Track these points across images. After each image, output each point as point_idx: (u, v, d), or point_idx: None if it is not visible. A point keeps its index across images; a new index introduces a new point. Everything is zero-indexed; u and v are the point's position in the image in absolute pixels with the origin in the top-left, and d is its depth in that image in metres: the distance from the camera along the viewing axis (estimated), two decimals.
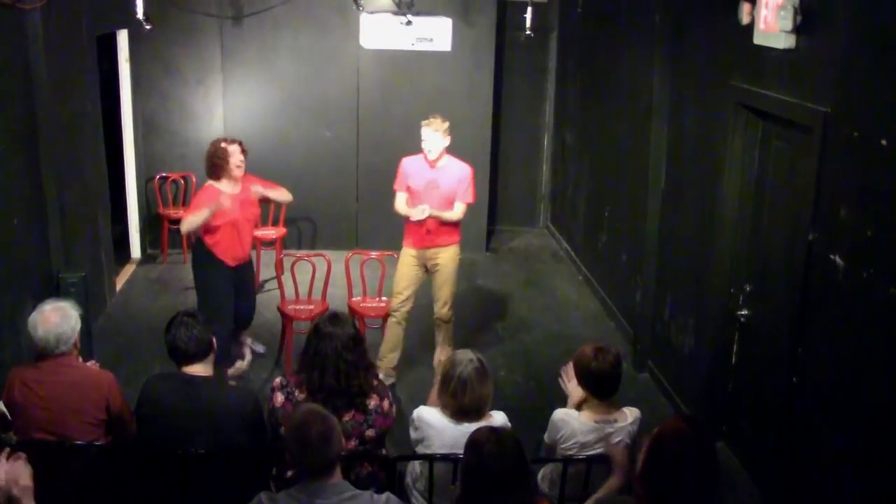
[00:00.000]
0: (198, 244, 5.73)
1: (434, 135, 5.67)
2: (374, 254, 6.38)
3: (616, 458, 3.46)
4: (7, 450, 2.99)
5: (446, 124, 5.70)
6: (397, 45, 8.16)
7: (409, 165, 5.87)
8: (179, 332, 3.64)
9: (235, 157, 5.62)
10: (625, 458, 3.43)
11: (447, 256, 5.85)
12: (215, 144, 5.70)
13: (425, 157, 5.74)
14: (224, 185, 5.65)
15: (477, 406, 3.63)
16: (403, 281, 5.88)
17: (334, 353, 3.56)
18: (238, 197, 5.66)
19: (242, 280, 5.88)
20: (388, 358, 5.95)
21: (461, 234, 5.98)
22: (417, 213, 5.59)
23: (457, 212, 5.77)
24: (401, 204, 5.83)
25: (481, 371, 3.64)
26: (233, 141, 5.71)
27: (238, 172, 5.65)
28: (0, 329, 4.95)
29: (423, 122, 5.73)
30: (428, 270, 5.94)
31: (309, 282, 6.22)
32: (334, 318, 3.72)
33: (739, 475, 4.96)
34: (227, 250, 5.65)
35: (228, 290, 5.73)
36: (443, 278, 5.89)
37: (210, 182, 5.68)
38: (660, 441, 2.81)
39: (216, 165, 5.63)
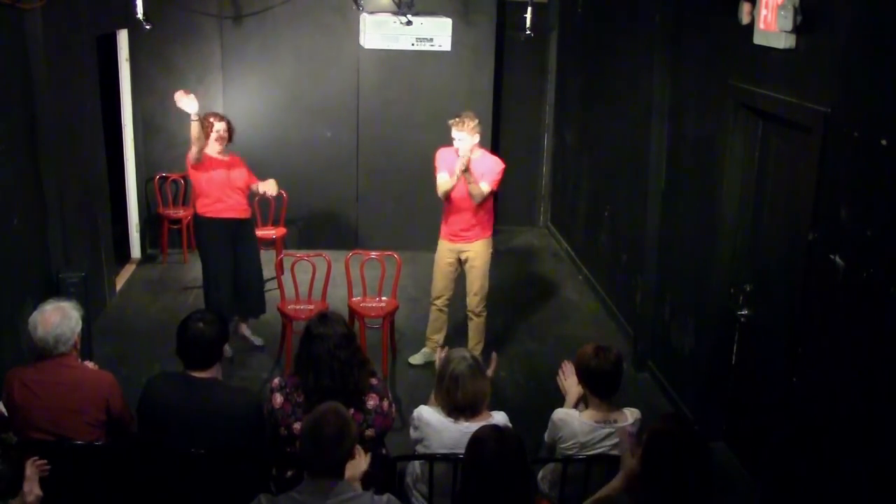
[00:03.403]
0: (194, 217, 6.27)
1: (464, 135, 5.74)
2: (374, 254, 6.38)
3: (626, 461, 3.45)
4: (35, 461, 3.03)
5: (475, 122, 5.75)
6: (397, 45, 8.15)
7: (446, 153, 5.98)
8: (191, 337, 3.62)
9: (217, 131, 6.07)
10: (635, 465, 3.42)
11: (477, 251, 6.02)
12: (205, 116, 6.12)
13: (457, 152, 5.83)
14: (209, 150, 6.04)
15: (471, 403, 3.64)
16: (438, 274, 6.19)
17: (327, 353, 3.57)
18: (224, 162, 6.10)
19: (242, 240, 6.22)
20: (432, 339, 6.32)
21: (491, 227, 6.09)
22: (460, 163, 5.68)
23: (482, 187, 5.79)
24: (444, 180, 5.91)
25: (474, 368, 3.65)
26: (221, 119, 6.16)
27: (216, 146, 6.07)
28: (0, 329, 4.95)
29: (452, 122, 5.78)
30: (461, 264, 6.13)
31: (309, 282, 6.22)
32: (324, 318, 3.72)
33: (739, 475, 4.96)
34: (214, 204, 6.04)
35: (220, 249, 6.12)
36: (474, 273, 6.07)
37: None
38: (652, 441, 2.83)
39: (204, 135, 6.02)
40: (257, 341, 6.47)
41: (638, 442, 3.65)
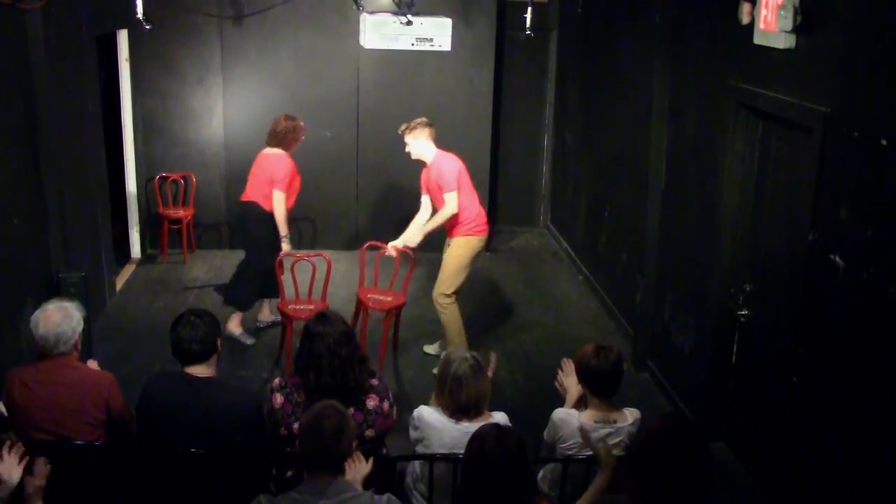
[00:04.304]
0: (255, 211, 6.35)
1: (409, 140, 6.03)
2: (389, 246, 6.31)
3: (602, 456, 3.45)
4: (13, 444, 3.02)
5: (413, 128, 5.99)
6: (397, 45, 8.15)
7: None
8: (185, 331, 3.64)
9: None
10: (611, 457, 3.43)
11: (450, 246, 6.08)
12: (294, 122, 6.42)
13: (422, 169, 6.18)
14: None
15: (475, 403, 3.65)
16: None
17: (327, 350, 3.58)
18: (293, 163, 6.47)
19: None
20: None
21: (473, 226, 6.02)
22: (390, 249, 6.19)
23: (445, 208, 5.91)
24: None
25: (476, 368, 3.66)
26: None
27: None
28: (0, 329, 4.95)
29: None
30: None
31: (309, 282, 6.22)
32: (323, 317, 3.73)
33: (739, 475, 4.96)
34: (291, 200, 6.48)
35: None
36: (442, 264, 6.12)
37: (284, 152, 6.39)
38: (649, 440, 2.82)
39: (293, 140, 6.42)
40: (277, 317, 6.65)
41: (589, 437, 3.64)
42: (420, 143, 5.98)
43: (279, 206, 6.27)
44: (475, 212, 6.03)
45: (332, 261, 6.32)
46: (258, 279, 6.46)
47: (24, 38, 5.41)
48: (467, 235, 5.99)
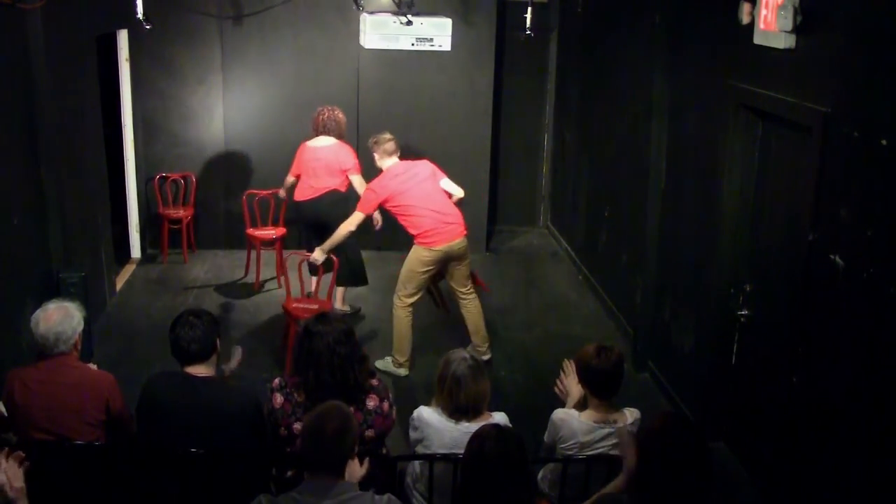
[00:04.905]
0: (335, 197, 6.76)
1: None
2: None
3: (630, 460, 3.44)
4: (6, 449, 2.99)
5: (371, 144, 6.24)
6: (397, 45, 8.14)
7: None
8: (184, 331, 3.63)
9: None
10: (635, 459, 3.42)
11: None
12: (343, 114, 6.85)
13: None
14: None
15: (474, 403, 3.65)
16: None
17: (327, 348, 3.57)
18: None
19: None
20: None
21: (422, 238, 5.98)
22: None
23: (344, 223, 6.09)
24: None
25: (475, 368, 3.66)
26: None
27: None
28: (0, 329, 4.95)
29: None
30: None
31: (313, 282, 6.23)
32: (322, 317, 3.73)
33: (739, 475, 4.96)
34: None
35: None
36: None
37: (339, 140, 6.79)
38: (648, 440, 2.82)
39: (345, 131, 6.86)
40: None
41: (634, 440, 3.65)
42: (377, 159, 6.18)
43: (363, 189, 6.41)
44: (427, 224, 5.92)
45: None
46: (356, 262, 6.72)
47: (24, 38, 5.41)
48: (415, 245, 6.01)
